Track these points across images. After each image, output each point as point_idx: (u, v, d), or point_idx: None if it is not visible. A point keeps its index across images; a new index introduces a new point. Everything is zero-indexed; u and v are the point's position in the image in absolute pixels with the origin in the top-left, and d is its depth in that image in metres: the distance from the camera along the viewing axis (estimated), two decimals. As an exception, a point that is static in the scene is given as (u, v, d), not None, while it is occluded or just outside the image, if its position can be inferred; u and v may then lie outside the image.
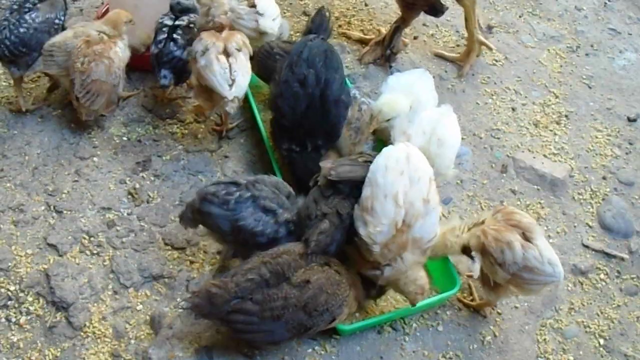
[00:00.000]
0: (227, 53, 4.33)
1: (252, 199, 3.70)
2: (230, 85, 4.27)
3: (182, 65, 4.63)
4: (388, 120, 4.29)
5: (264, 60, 4.66)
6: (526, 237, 3.54)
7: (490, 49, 5.56)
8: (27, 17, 4.60)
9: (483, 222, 3.68)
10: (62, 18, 4.80)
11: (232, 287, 3.37)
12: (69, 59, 4.58)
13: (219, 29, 4.55)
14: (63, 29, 4.77)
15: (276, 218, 3.72)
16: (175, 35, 4.68)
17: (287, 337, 3.50)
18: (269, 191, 3.76)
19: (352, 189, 3.61)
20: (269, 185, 3.79)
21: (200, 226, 3.89)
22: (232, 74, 4.27)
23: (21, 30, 4.58)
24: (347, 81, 4.74)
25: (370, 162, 3.56)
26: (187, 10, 4.81)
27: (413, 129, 4.11)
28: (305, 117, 4.16)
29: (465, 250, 3.71)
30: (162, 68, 4.63)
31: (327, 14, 4.70)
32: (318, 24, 4.61)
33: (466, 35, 5.47)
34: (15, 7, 4.66)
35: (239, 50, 4.37)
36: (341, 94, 4.22)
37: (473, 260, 3.65)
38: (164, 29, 4.73)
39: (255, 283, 3.38)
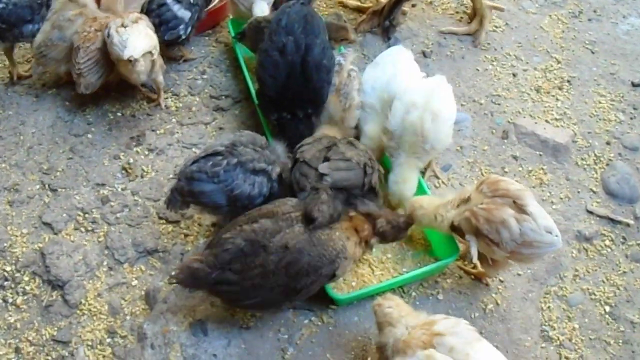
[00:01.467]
0: (124, 25, 4.43)
1: (240, 164, 3.64)
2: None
3: (170, 18, 4.77)
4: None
5: (253, 34, 4.61)
6: (518, 206, 3.41)
7: (501, 9, 5.49)
8: None
9: (469, 199, 3.56)
10: None
11: (211, 259, 3.33)
12: (60, 49, 4.63)
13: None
14: (48, 5, 4.74)
15: (269, 175, 3.71)
16: None
17: (280, 300, 3.46)
18: (251, 151, 3.70)
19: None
20: (248, 145, 3.73)
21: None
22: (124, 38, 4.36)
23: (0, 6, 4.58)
24: (341, 47, 4.69)
25: (368, 165, 3.66)
26: None
27: (403, 100, 4.00)
28: (288, 86, 4.10)
29: (455, 229, 3.62)
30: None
31: None
32: None
33: (467, 1, 5.39)
34: None
35: (134, 22, 4.46)
36: (322, 59, 4.13)
37: (465, 239, 3.60)
38: None
39: (231, 253, 3.31)
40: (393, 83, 4.12)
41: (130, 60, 4.30)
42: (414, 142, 3.89)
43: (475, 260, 3.60)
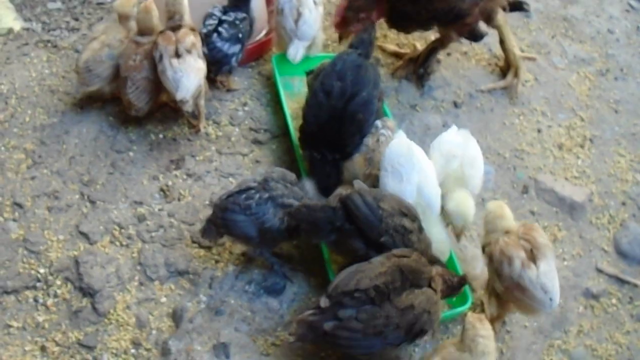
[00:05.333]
0: (178, 54, 4.51)
1: (271, 199, 3.85)
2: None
3: (221, 57, 4.86)
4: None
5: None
6: (533, 255, 3.63)
7: (533, 59, 5.68)
8: None
9: (507, 232, 3.79)
10: None
11: (330, 309, 3.47)
12: (107, 67, 4.74)
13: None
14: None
15: None
16: (220, 28, 4.88)
17: (383, 349, 3.60)
18: (282, 187, 3.90)
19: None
20: (279, 180, 3.94)
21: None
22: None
23: None
24: (386, 110, 4.84)
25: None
26: None
27: (439, 152, 4.21)
28: (325, 128, 4.27)
29: (483, 249, 3.90)
30: None
31: (373, 32, 4.74)
32: (360, 40, 4.64)
33: (499, 52, 5.57)
34: None
35: (188, 52, 4.53)
36: (359, 111, 4.27)
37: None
38: (214, 18, 4.94)
39: (360, 302, 3.45)
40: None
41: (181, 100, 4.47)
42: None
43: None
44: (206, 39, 4.81)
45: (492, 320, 4.02)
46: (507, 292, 3.70)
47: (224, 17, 4.93)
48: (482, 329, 3.32)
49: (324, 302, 3.48)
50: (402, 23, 5.19)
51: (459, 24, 5.06)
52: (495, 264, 3.70)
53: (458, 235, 4.12)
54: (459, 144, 4.21)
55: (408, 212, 3.83)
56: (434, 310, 3.54)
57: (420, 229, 3.86)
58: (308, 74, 4.74)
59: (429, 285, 3.59)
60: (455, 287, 3.76)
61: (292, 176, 4.04)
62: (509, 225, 3.81)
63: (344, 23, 5.07)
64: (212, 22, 4.92)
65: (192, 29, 4.66)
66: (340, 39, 5.18)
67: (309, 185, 4.06)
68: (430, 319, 3.50)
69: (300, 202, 3.86)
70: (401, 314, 3.43)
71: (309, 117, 4.36)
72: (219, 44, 4.85)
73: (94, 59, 4.73)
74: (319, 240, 3.97)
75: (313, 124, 4.33)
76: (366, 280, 3.46)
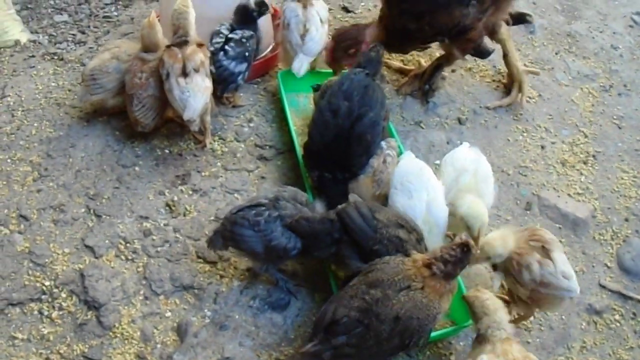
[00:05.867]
0: (185, 73, 4.53)
1: (280, 218, 3.87)
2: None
3: (227, 76, 4.89)
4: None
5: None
6: (545, 251, 3.76)
7: (537, 73, 5.71)
8: None
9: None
10: None
11: (325, 339, 3.48)
12: (112, 80, 4.77)
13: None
14: None
15: None
16: (227, 47, 4.89)
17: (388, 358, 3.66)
18: (291, 207, 3.92)
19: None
20: (289, 200, 3.96)
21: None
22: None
23: None
24: (393, 132, 4.86)
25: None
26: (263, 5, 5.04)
27: (455, 166, 4.24)
28: (332, 147, 4.29)
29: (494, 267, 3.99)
30: None
31: (381, 50, 4.73)
32: (367, 59, 4.63)
33: (503, 69, 5.59)
34: None
35: (196, 70, 4.55)
36: (366, 132, 4.30)
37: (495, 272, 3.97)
38: (221, 36, 4.96)
39: (345, 325, 3.46)
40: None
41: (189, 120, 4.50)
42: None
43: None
44: (213, 57, 4.84)
45: (518, 320, 4.12)
46: (533, 294, 3.79)
47: (231, 35, 4.96)
48: (483, 294, 3.59)
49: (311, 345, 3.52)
50: (404, 42, 5.24)
51: (463, 40, 5.09)
52: (515, 276, 3.79)
53: (475, 240, 4.10)
54: (472, 160, 4.26)
55: (405, 224, 3.85)
56: (424, 315, 3.49)
57: (419, 241, 3.87)
58: (315, 89, 4.76)
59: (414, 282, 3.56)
60: (462, 257, 3.58)
61: (303, 196, 4.06)
62: (513, 247, 3.86)
63: (335, 61, 5.18)
64: (219, 40, 4.94)
65: (200, 45, 4.68)
66: (335, 72, 5.20)
67: (319, 206, 4.06)
68: (420, 324, 3.48)
69: (299, 215, 3.90)
70: (390, 328, 3.43)
71: (314, 135, 4.38)
72: (226, 62, 4.88)
73: (100, 69, 4.77)
74: (320, 253, 3.98)
75: (319, 142, 4.35)
76: (341, 310, 3.49)
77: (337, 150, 4.28)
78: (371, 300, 3.46)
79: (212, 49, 4.87)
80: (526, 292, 3.78)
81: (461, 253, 3.55)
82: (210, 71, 4.71)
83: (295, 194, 4.04)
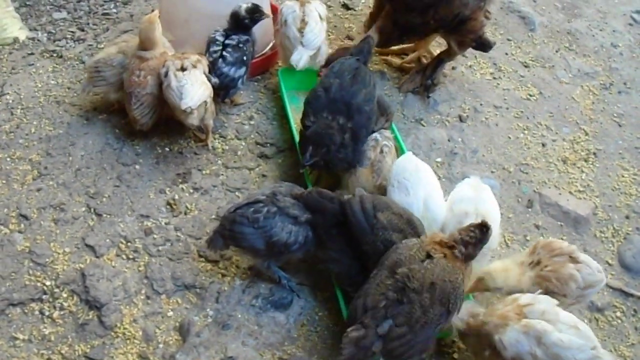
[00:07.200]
0: (183, 68, 4.54)
1: (279, 213, 3.87)
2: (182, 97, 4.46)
3: (228, 82, 4.88)
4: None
5: None
6: (573, 259, 3.79)
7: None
8: None
9: (539, 262, 3.85)
10: None
11: (369, 322, 3.44)
12: (116, 73, 4.77)
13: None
14: None
15: (303, 224, 3.91)
16: (225, 53, 4.88)
17: (437, 329, 3.56)
18: (288, 200, 3.92)
19: None
20: (287, 194, 3.96)
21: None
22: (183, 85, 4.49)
23: None
24: (395, 130, 4.83)
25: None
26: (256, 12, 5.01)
27: (451, 213, 4.09)
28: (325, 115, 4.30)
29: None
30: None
31: (372, 41, 4.78)
32: (359, 49, 4.69)
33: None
34: None
35: (194, 66, 4.57)
36: (365, 105, 4.34)
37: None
38: (217, 43, 4.94)
39: (386, 308, 3.45)
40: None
41: (185, 110, 4.45)
42: None
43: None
44: (213, 67, 4.85)
45: None
46: (577, 300, 3.86)
47: (227, 41, 4.95)
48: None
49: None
50: (406, 35, 5.22)
51: (464, 30, 5.08)
52: (559, 291, 3.76)
53: None
54: (471, 199, 4.08)
55: (405, 228, 3.84)
56: (453, 277, 3.49)
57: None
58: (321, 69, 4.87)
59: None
60: (481, 237, 3.61)
61: (300, 190, 4.05)
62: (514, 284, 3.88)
63: None
64: (217, 48, 4.93)
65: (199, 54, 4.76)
66: None
67: None
68: (454, 287, 3.47)
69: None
70: (430, 294, 3.42)
71: (307, 110, 4.39)
72: (225, 69, 4.87)
73: (104, 61, 4.78)
74: (323, 230, 3.96)
75: (310, 115, 4.34)
76: (372, 298, 3.48)
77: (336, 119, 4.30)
78: (402, 278, 3.46)
79: (211, 59, 4.87)
80: (572, 301, 3.81)
81: (481, 234, 3.59)
82: (209, 79, 4.70)
83: (292, 188, 4.04)
